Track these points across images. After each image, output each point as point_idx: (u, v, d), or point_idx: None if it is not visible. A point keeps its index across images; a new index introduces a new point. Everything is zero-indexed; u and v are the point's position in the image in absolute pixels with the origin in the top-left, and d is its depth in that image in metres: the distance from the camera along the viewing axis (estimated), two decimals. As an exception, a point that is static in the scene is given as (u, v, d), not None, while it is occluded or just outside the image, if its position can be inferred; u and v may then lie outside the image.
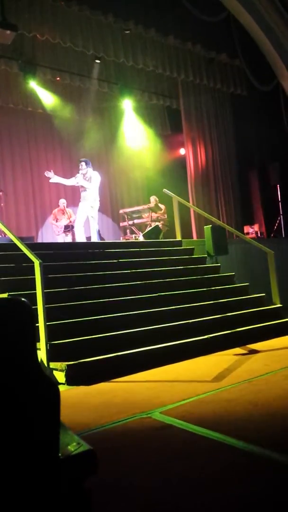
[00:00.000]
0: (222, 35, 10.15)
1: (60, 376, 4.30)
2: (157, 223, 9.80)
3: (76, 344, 4.78)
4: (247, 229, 11.19)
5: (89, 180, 8.37)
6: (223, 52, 10.43)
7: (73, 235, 10.12)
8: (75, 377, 4.29)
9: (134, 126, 12.08)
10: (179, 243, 8.13)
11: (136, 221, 10.53)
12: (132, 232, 10.56)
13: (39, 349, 4.47)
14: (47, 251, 6.41)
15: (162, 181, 11.04)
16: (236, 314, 6.28)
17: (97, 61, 9.75)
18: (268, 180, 11.38)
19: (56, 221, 10.25)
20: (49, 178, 8.58)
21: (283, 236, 11.00)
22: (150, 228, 9.53)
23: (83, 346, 4.77)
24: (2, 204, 10.12)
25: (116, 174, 12.55)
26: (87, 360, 4.50)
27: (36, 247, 6.03)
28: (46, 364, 4.43)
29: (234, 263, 8.05)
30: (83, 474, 1.69)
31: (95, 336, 4.95)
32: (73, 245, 7.71)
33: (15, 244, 5.37)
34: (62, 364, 4.35)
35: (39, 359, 4.26)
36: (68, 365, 4.33)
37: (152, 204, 10.38)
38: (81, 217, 8.53)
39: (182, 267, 7.25)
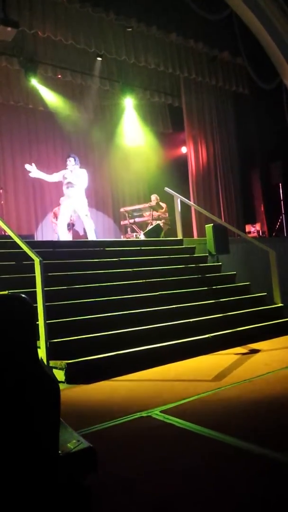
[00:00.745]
0: (224, 32, 10.10)
1: (59, 375, 4.28)
2: (158, 222, 9.77)
3: (76, 342, 4.75)
4: (248, 228, 11.16)
5: (77, 177, 8.15)
6: (226, 50, 10.38)
7: (73, 233, 10.09)
8: (74, 376, 4.27)
9: (135, 124, 12.04)
10: (180, 242, 8.10)
11: (137, 219, 10.50)
12: (133, 230, 10.53)
13: (39, 347, 4.44)
14: (47, 249, 6.39)
15: (164, 179, 11.00)
16: (237, 313, 6.26)
17: (99, 58, 9.71)
18: (270, 179, 11.34)
19: (57, 219, 10.21)
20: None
21: (285, 235, 10.96)
22: (151, 226, 9.50)
23: (83, 344, 4.75)
24: (2, 202, 10.09)
25: (117, 172, 12.51)
26: (87, 359, 4.48)
27: (36, 245, 6.01)
28: (45, 363, 4.41)
29: (235, 262, 8.01)
30: (83, 471, 1.68)
31: (95, 334, 4.93)
32: (74, 243, 7.69)
33: (15, 242, 5.35)
34: (62, 362, 4.33)
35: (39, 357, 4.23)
36: (67, 364, 4.31)
37: (153, 203, 10.36)
38: (65, 215, 8.30)
39: (183, 266, 7.22)
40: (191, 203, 9.38)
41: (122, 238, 10.50)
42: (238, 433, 2.82)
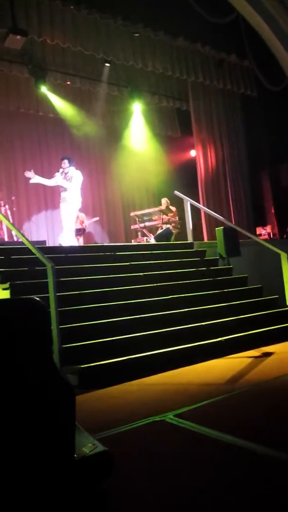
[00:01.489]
0: (231, 36, 10.13)
1: (73, 379, 4.30)
2: (168, 226, 9.78)
3: (89, 347, 4.77)
4: (259, 230, 11.12)
5: (69, 179, 7.91)
6: (233, 53, 10.40)
7: (84, 238, 10.14)
8: (88, 380, 4.28)
9: (143, 129, 12.08)
10: (190, 245, 8.10)
11: (147, 223, 10.52)
12: (144, 234, 10.55)
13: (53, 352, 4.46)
14: (59, 254, 6.43)
15: (173, 183, 11.02)
16: (250, 316, 6.23)
17: (107, 64, 9.78)
18: (280, 181, 11.30)
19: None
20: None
21: (296, 237, 10.91)
22: (161, 230, 9.51)
23: (95, 349, 4.77)
24: (14, 209, 10.18)
25: (127, 177, 12.55)
26: (100, 363, 4.49)
27: (48, 251, 6.05)
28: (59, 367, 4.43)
29: (246, 265, 7.99)
30: (99, 475, 1.69)
31: (108, 339, 4.94)
32: (85, 248, 7.72)
33: (27, 248, 5.39)
34: (76, 367, 4.34)
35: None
36: (81, 368, 4.33)
37: (163, 207, 10.36)
38: (67, 219, 7.99)
39: (194, 269, 7.22)
40: (201, 206, 9.38)
41: (133, 243, 10.53)
42: (254, 437, 2.80)
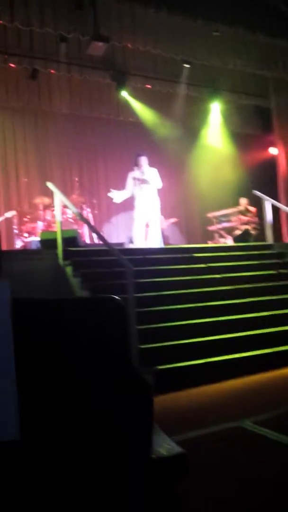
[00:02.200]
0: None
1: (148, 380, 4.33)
2: (247, 227, 9.55)
3: (164, 349, 4.79)
4: None
5: (150, 178, 7.67)
6: (316, 46, 9.91)
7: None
8: (164, 382, 4.30)
9: (221, 128, 11.91)
10: (270, 247, 7.86)
11: (225, 224, 10.35)
12: (221, 236, 10.39)
13: (130, 352, 4.54)
14: (137, 256, 6.52)
15: (252, 182, 10.73)
16: None
17: (186, 65, 9.75)
18: None
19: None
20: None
21: None
22: (240, 232, 9.31)
23: (171, 351, 4.78)
24: (96, 212, 10.50)
25: (204, 177, 12.43)
26: (176, 365, 4.50)
27: (126, 252, 6.17)
28: (135, 368, 4.49)
29: None
30: (175, 476, 1.69)
31: (184, 341, 4.93)
32: (163, 250, 7.78)
33: (107, 250, 5.54)
34: (151, 368, 4.38)
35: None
36: (157, 369, 4.36)
37: (241, 207, 10.14)
38: (140, 220, 7.72)
39: (273, 272, 6.99)
40: (282, 206, 9.05)
41: (210, 244, 10.41)
42: None
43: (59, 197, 6.62)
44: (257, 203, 9.33)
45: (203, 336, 5.07)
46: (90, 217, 9.75)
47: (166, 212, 11.49)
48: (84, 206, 9.77)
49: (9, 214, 8.68)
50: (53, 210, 8.81)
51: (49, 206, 9.19)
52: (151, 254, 6.96)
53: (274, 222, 8.29)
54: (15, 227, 9.18)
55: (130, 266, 4.88)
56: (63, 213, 8.66)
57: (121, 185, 8.49)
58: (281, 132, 10.54)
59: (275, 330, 5.45)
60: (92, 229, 6.99)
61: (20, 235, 9.03)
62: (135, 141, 11.65)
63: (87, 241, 9.15)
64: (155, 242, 7.68)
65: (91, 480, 1.49)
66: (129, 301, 4.71)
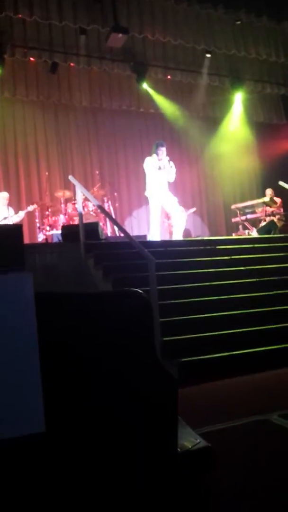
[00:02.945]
0: None
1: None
2: (272, 218, 9.40)
3: (187, 341, 4.75)
4: None
5: (171, 167, 7.41)
6: None
7: (184, 232, 10.10)
8: (188, 374, 4.25)
9: (245, 118, 11.74)
10: (296, 238, 7.71)
11: (249, 216, 10.20)
12: (245, 228, 10.25)
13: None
14: (159, 248, 6.48)
15: (277, 173, 10.54)
16: None
17: (208, 55, 9.61)
18: None
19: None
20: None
21: None
22: (265, 223, 9.17)
23: (194, 343, 4.74)
24: (117, 204, 10.48)
25: (228, 168, 12.29)
26: (200, 358, 4.46)
27: (149, 245, 6.13)
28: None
29: None
30: (201, 469, 1.67)
31: (207, 333, 4.88)
32: (185, 242, 7.71)
33: (129, 242, 5.51)
34: (175, 361, 4.35)
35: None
36: (180, 362, 4.32)
37: (267, 198, 9.96)
38: (157, 211, 7.51)
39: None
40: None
41: (234, 236, 10.29)
42: None
43: (80, 190, 6.61)
44: (283, 194, 9.18)
45: (228, 329, 5.01)
46: (111, 209, 9.73)
47: (188, 203, 11.42)
48: (105, 199, 9.76)
49: (30, 208, 8.73)
50: (74, 203, 8.84)
51: (70, 199, 9.21)
52: (174, 246, 6.90)
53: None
54: (37, 220, 9.23)
55: (152, 257, 4.84)
56: (85, 206, 8.68)
57: (142, 177, 8.41)
58: (306, 121, 10.34)
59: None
60: (114, 221, 6.96)
61: (42, 228, 9.08)
62: (155, 132, 11.58)
63: (109, 234, 9.15)
64: (180, 233, 7.61)
65: (115, 472, 1.48)
66: (151, 293, 4.67)
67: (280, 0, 8.89)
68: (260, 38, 9.37)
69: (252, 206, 10.07)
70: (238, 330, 5.03)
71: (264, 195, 10.25)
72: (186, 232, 10.66)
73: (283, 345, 4.86)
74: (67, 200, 9.23)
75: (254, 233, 9.10)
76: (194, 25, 8.82)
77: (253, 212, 10.10)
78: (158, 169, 7.35)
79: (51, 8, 7.71)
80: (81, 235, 6.23)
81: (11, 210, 8.35)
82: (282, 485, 2.24)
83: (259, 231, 8.81)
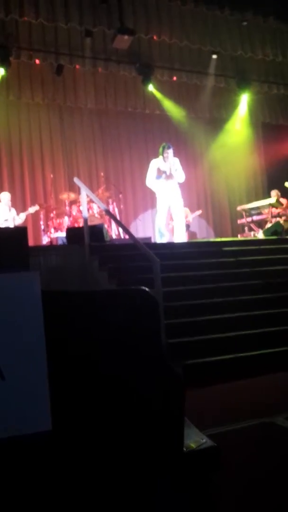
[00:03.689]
0: None
1: (178, 375, 4.28)
2: (278, 219, 9.36)
3: (193, 343, 4.73)
4: None
5: (177, 170, 7.46)
6: None
7: (190, 234, 10.10)
8: (193, 377, 4.23)
9: (251, 119, 11.73)
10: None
11: (255, 217, 10.17)
12: (251, 229, 10.22)
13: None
14: (164, 250, 6.46)
15: (283, 174, 10.52)
16: None
17: (214, 56, 9.60)
18: None
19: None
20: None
21: None
22: (271, 224, 9.13)
23: (199, 345, 4.72)
24: (122, 206, 10.47)
25: (233, 170, 12.26)
26: (205, 360, 4.43)
27: (153, 247, 6.12)
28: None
29: None
30: (207, 469, 1.66)
31: (212, 336, 4.86)
32: (190, 244, 7.68)
33: (134, 244, 5.50)
34: (180, 363, 4.33)
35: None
36: (185, 364, 4.30)
37: (273, 199, 9.93)
38: (163, 214, 7.53)
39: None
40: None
41: (239, 238, 10.26)
42: None
43: (85, 192, 6.61)
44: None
45: (233, 331, 4.98)
46: (116, 211, 9.72)
47: (193, 205, 11.41)
48: (110, 201, 9.76)
49: (32, 209, 8.67)
50: (79, 206, 8.84)
51: (75, 202, 9.21)
52: (179, 248, 6.88)
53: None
54: (41, 223, 9.24)
55: (157, 259, 4.82)
56: (89, 208, 8.68)
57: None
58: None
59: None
60: (119, 223, 6.96)
61: (46, 230, 9.09)
62: (160, 134, 11.57)
63: (114, 236, 9.14)
64: (180, 235, 7.57)
65: (121, 472, 1.47)
66: (156, 295, 4.66)
67: (286, 1, 8.87)
68: (267, 39, 9.36)
69: (258, 208, 10.05)
70: (243, 332, 5.00)
71: (269, 196, 10.21)
72: (192, 234, 10.65)
73: (289, 347, 4.82)
74: (71, 203, 9.23)
75: (260, 235, 9.06)
76: (200, 26, 8.82)
77: (259, 214, 10.07)
78: (165, 179, 7.35)
79: (56, 10, 7.72)
80: (86, 237, 6.22)
81: (13, 211, 8.34)
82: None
83: (265, 233, 8.78)
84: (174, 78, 10.17)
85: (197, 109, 11.20)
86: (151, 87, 10.20)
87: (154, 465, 1.52)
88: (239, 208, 10.58)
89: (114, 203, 9.86)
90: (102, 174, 10.64)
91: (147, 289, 1.64)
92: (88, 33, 8.52)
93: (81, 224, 8.00)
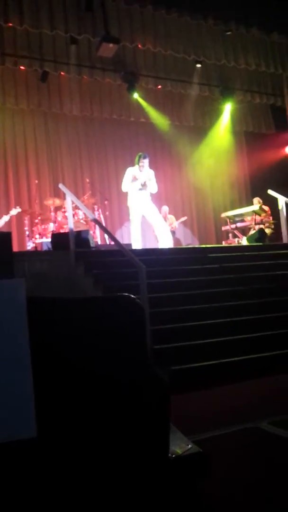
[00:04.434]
0: None
1: (163, 381, 4.28)
2: (261, 226, 9.47)
3: (177, 349, 4.74)
4: None
5: (150, 179, 7.49)
6: None
7: (175, 240, 10.14)
8: (178, 383, 4.24)
9: (234, 127, 11.86)
10: (286, 247, 7.76)
11: (238, 224, 10.26)
12: (235, 236, 10.31)
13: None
14: (150, 256, 6.48)
15: (266, 182, 10.64)
16: None
17: (198, 65, 9.71)
18: None
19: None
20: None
21: None
22: (254, 231, 9.23)
23: (184, 351, 4.73)
24: (107, 213, 10.47)
25: (217, 177, 12.38)
26: (190, 366, 4.44)
27: (139, 253, 6.13)
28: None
29: None
30: (194, 476, 1.66)
31: (198, 342, 4.87)
32: (176, 250, 7.72)
33: (120, 251, 5.50)
34: (166, 369, 4.33)
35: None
36: (171, 370, 4.31)
37: (255, 207, 10.04)
38: (137, 223, 7.60)
39: (289, 272, 6.89)
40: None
41: (224, 244, 10.34)
42: None
43: (71, 198, 6.60)
44: (271, 203, 9.24)
45: (217, 337, 5.01)
46: (101, 218, 9.72)
47: (178, 212, 11.47)
48: (95, 207, 9.76)
49: (14, 211, 8.56)
50: (64, 212, 8.81)
51: (60, 208, 9.19)
52: (164, 254, 6.91)
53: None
54: (26, 228, 9.19)
55: (142, 265, 4.83)
56: (75, 214, 8.66)
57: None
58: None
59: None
60: (104, 230, 6.96)
61: (31, 236, 9.04)
62: (145, 141, 11.64)
63: (99, 242, 9.13)
64: (166, 241, 7.59)
65: (106, 479, 1.47)
66: (142, 301, 4.67)
67: (269, 11, 9.01)
68: (250, 48, 9.49)
69: (241, 215, 10.15)
70: (228, 338, 5.03)
71: (253, 203, 10.32)
72: (177, 241, 10.70)
73: (272, 353, 4.86)
74: (56, 208, 9.20)
75: (243, 241, 9.15)
76: (184, 35, 8.90)
77: (243, 221, 10.17)
78: (139, 189, 7.43)
79: (41, 17, 7.73)
80: (71, 243, 6.21)
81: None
82: (274, 491, 2.24)
83: (248, 239, 8.86)
84: (159, 86, 10.25)
85: (181, 118, 11.30)
86: (136, 95, 10.27)
87: (139, 471, 1.52)
88: (223, 215, 10.67)
89: (100, 210, 9.86)
90: (87, 180, 10.65)
91: (132, 295, 1.65)
92: (73, 40, 8.54)
93: (66, 230, 7.98)
